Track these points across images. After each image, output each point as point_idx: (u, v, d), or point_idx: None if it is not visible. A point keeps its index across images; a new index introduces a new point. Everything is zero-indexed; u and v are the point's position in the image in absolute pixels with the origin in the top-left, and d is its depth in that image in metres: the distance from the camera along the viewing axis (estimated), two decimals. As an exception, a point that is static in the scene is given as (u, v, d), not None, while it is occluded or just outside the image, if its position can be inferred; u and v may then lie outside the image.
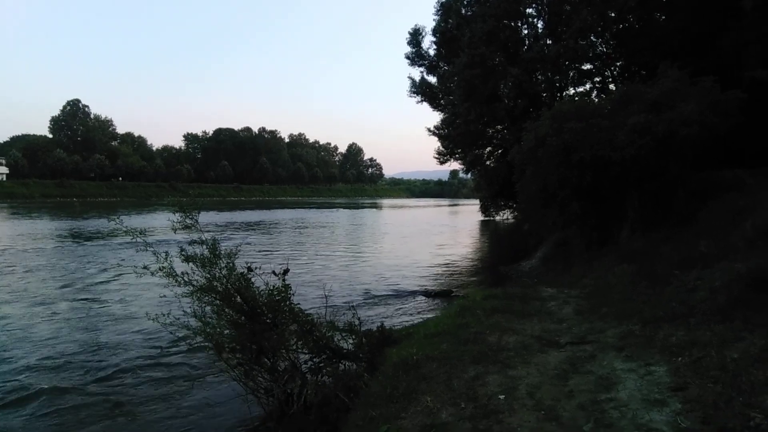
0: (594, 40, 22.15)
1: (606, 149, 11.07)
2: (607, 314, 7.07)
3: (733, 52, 13.96)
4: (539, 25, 25.54)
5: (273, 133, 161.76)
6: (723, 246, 7.89)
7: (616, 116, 11.78)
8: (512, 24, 25.12)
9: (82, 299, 13.78)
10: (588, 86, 24.26)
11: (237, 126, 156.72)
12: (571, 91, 24.25)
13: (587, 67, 23.59)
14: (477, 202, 53.82)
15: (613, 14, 20.50)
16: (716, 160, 12.94)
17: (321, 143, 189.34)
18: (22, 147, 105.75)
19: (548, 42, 23.76)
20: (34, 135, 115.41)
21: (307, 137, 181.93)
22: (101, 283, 16.02)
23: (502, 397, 4.45)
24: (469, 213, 62.58)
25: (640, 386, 4.44)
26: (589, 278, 10.23)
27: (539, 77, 24.38)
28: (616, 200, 12.47)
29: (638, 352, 5.27)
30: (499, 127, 27.46)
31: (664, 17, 18.68)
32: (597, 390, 4.47)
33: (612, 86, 22.40)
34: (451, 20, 28.41)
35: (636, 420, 3.84)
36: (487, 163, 31.95)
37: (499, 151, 29.09)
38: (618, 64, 22.51)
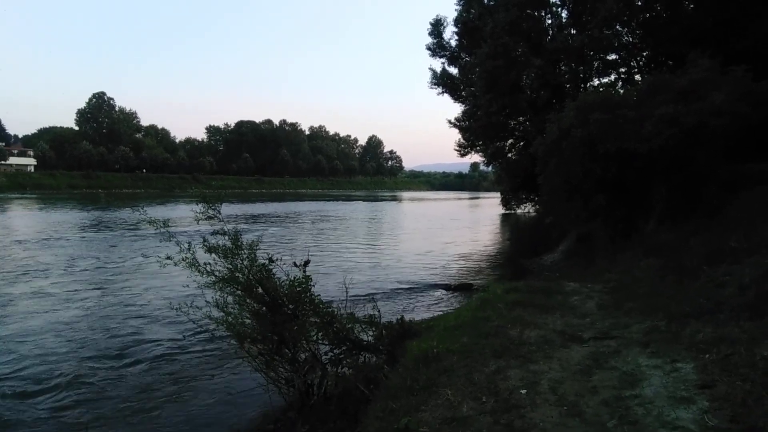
0: (620, 29, 21.69)
1: (632, 141, 10.84)
2: (632, 309, 6.94)
3: (766, 40, 13.52)
4: (563, 15, 25.18)
5: (294, 125, 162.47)
6: (754, 240, 7.66)
7: (643, 107, 11.52)
8: (535, 13, 24.77)
9: (105, 288, 14.07)
10: (613, 77, 23.88)
11: (258, 118, 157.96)
12: (596, 81, 23.88)
13: (612, 57, 23.18)
14: (498, 195, 53.34)
15: (639, 2, 20.02)
16: (748, 152, 12.57)
17: (341, 136, 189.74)
18: (50, 139, 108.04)
19: (572, 32, 23.39)
20: (61, 127, 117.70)
21: (327, 130, 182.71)
22: (125, 272, 16.34)
23: (523, 391, 4.39)
24: (490, 206, 62.11)
25: (666, 383, 4.34)
26: (613, 272, 10.05)
27: (563, 68, 24.02)
28: (642, 192, 12.23)
29: (664, 349, 5.15)
30: (521, 118, 27.12)
31: (692, 5, 18.18)
32: (621, 386, 4.39)
33: (638, 77, 21.95)
34: (473, 10, 28.07)
35: (662, 417, 3.76)
36: (509, 155, 31.60)
37: (521, 143, 28.75)
38: (644, 53, 22.03)
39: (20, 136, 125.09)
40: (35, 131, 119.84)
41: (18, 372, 7.99)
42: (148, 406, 6.87)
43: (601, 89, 18.41)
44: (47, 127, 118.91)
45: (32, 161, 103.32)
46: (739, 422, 3.51)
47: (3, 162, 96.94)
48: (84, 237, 25.84)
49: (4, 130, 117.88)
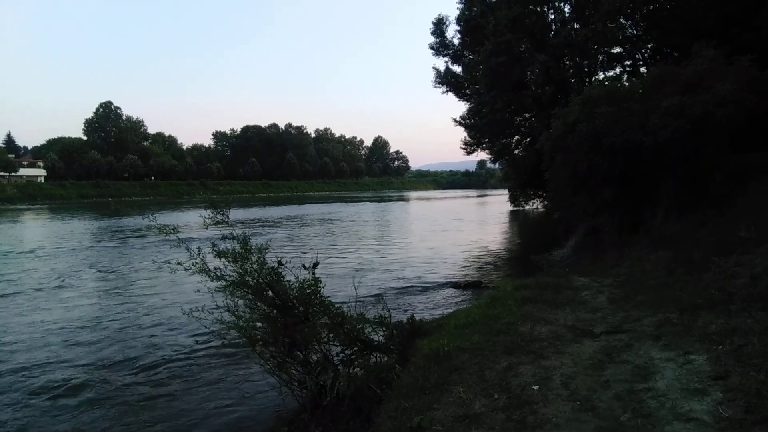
0: (623, 22, 21.58)
1: (638, 133, 10.79)
2: (643, 302, 6.92)
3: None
4: (566, 10, 25.10)
5: (299, 128, 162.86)
6: (763, 230, 7.60)
7: (649, 99, 11.47)
8: (538, 9, 24.69)
9: (118, 294, 14.20)
10: (618, 70, 23.76)
11: (264, 123, 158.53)
12: (600, 75, 23.75)
13: (617, 50, 23.09)
14: (505, 192, 53.22)
15: (643, -5, 19.91)
16: (755, 142, 12.47)
17: (347, 137, 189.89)
18: (59, 149, 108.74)
19: (576, 26, 23.30)
20: (69, 137, 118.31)
21: (333, 132, 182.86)
22: (137, 278, 16.46)
23: (535, 387, 4.40)
24: (498, 203, 61.90)
25: (679, 375, 4.33)
26: (622, 266, 10.01)
27: (567, 63, 23.94)
28: (649, 185, 12.15)
29: (676, 341, 5.14)
30: (526, 115, 27.09)
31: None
32: (634, 380, 4.39)
33: (643, 69, 21.82)
34: (475, 8, 28.02)
35: (675, 410, 3.75)
36: (515, 152, 31.57)
37: (527, 139, 28.70)
38: (649, 46, 21.90)
39: (30, 147, 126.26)
40: (44, 142, 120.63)
41: (33, 376, 8.08)
42: (162, 409, 6.92)
43: (606, 83, 18.31)
44: (56, 137, 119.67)
45: (42, 172, 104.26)
46: (754, 413, 3.50)
47: (13, 174, 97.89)
48: (95, 245, 26.06)
49: (13, 142, 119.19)
